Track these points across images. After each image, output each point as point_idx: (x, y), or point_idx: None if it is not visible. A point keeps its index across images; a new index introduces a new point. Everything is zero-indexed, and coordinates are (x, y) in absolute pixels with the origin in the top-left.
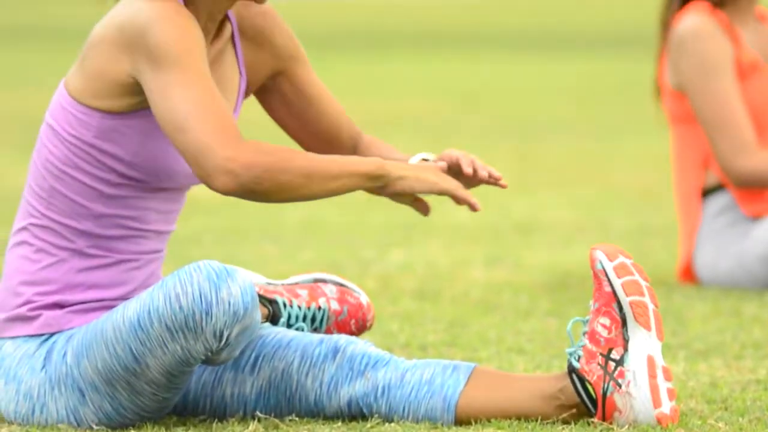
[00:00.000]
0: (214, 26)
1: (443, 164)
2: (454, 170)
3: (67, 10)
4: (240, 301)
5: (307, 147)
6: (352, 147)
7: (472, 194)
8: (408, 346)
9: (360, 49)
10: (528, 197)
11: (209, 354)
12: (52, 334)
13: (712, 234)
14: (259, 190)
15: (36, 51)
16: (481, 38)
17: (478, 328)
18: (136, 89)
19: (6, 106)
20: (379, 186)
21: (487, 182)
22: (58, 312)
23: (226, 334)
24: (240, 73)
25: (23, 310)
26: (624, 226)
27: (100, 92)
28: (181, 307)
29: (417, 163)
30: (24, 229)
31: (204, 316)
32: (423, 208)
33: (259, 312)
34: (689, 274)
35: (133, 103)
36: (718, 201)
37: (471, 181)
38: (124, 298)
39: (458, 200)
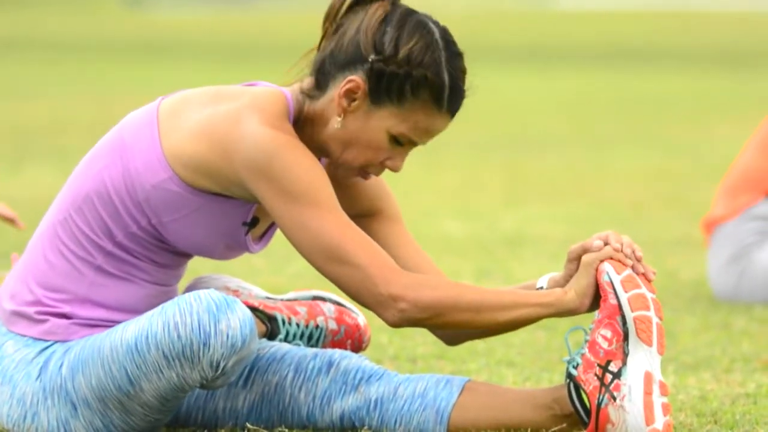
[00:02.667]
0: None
1: (599, 243)
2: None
3: (61, 23)
4: (238, 334)
5: None
6: None
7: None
8: (397, 359)
9: None
10: (518, 211)
11: (204, 382)
12: (53, 343)
13: (741, 232)
14: (427, 324)
15: (29, 63)
16: (471, 52)
17: (467, 342)
18: (225, 182)
19: None
20: (552, 315)
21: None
22: (64, 321)
23: (222, 364)
24: None
25: (32, 310)
26: None
27: (187, 162)
28: (179, 336)
29: (557, 277)
30: (52, 224)
31: (202, 346)
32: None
33: (256, 342)
34: (709, 230)
35: (209, 187)
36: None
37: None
38: None
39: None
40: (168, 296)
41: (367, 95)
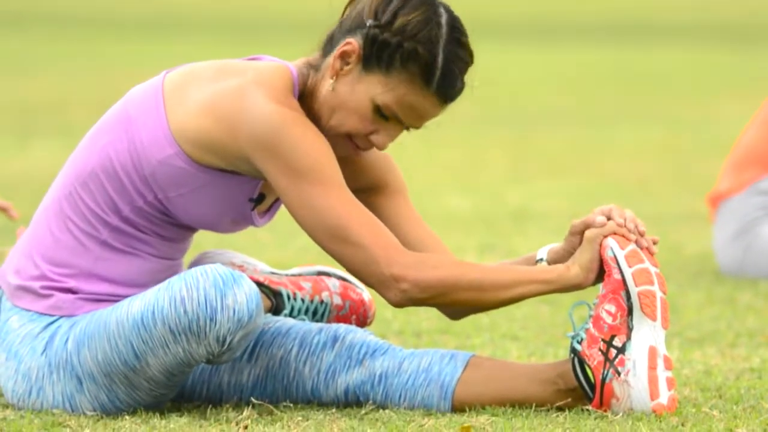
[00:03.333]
0: None
1: (602, 219)
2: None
3: None
4: (245, 309)
5: None
6: None
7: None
8: (402, 333)
9: None
10: (522, 186)
11: (210, 357)
12: (58, 317)
13: (746, 207)
14: (431, 304)
15: (34, 38)
16: (475, 27)
17: (471, 315)
18: (231, 157)
19: (2, 92)
20: (555, 291)
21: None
22: (69, 296)
23: (229, 339)
24: None
25: (37, 285)
26: None
27: (193, 138)
28: (185, 312)
29: (558, 249)
30: (57, 199)
31: (208, 321)
32: None
33: (262, 317)
34: (715, 205)
35: (215, 163)
36: None
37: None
38: None
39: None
40: (173, 270)
41: (360, 60)
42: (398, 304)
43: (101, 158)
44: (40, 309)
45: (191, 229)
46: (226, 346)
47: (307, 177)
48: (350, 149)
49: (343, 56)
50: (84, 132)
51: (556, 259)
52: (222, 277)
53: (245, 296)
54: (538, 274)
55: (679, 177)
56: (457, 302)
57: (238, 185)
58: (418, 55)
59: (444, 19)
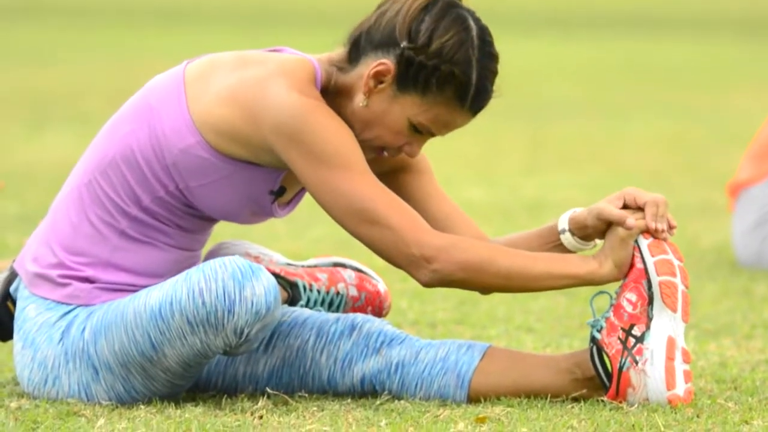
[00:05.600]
0: None
1: (632, 222)
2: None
3: None
4: (263, 301)
5: None
6: None
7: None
8: (417, 324)
9: None
10: (538, 178)
11: (228, 348)
12: (75, 306)
13: (766, 196)
14: (460, 286)
15: (49, 28)
16: (489, 20)
17: (487, 307)
18: (254, 148)
19: (15, 82)
20: (585, 285)
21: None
22: (87, 285)
23: (246, 331)
24: None
25: (54, 273)
26: None
27: (215, 128)
28: (204, 303)
29: (574, 223)
30: (77, 187)
31: (226, 313)
32: None
33: (280, 309)
34: (734, 194)
35: (237, 153)
36: None
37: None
38: None
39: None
40: (191, 261)
41: (395, 80)
42: (428, 284)
43: (122, 148)
44: (57, 298)
45: (211, 220)
46: (243, 338)
47: (330, 163)
48: (377, 154)
49: (377, 76)
50: (99, 122)
51: (581, 234)
52: (240, 269)
53: (263, 288)
54: (571, 267)
55: (693, 169)
56: (485, 286)
57: (259, 177)
58: (455, 77)
59: (475, 33)
